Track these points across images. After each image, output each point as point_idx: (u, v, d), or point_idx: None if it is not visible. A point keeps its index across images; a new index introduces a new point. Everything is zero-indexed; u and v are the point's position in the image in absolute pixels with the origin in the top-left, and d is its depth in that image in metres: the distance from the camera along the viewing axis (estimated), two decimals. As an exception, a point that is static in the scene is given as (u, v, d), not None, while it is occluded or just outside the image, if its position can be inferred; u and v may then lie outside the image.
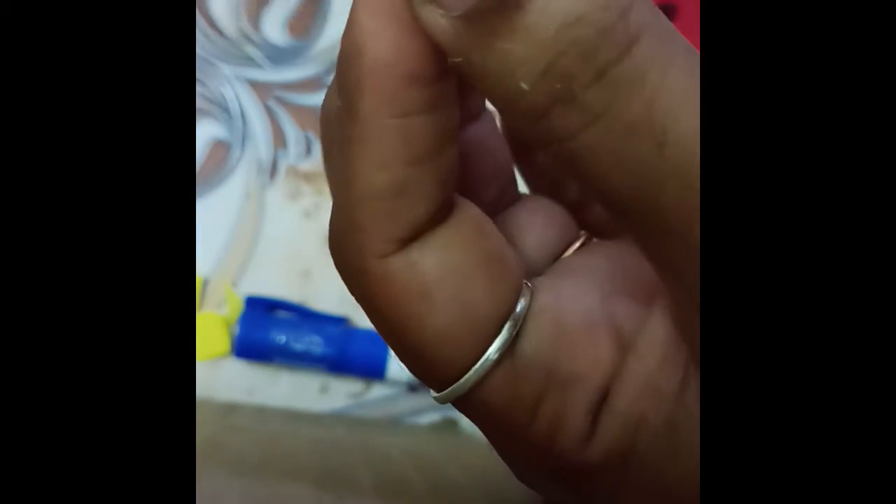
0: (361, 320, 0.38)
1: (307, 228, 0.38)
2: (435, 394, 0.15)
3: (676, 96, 0.12)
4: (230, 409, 0.36)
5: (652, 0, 0.13)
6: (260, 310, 0.37)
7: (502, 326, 0.14)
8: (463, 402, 0.15)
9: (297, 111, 0.38)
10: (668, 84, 0.12)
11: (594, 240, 0.18)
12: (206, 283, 0.38)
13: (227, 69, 0.38)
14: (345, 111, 0.14)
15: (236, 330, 0.37)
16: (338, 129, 0.14)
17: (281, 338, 0.36)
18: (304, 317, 0.37)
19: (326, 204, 0.38)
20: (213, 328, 0.37)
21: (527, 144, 0.19)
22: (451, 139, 0.14)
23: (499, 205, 0.18)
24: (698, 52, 0.13)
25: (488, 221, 0.15)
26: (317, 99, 0.38)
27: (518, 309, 0.15)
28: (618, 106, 0.12)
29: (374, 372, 0.37)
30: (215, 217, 0.38)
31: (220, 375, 0.37)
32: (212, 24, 0.38)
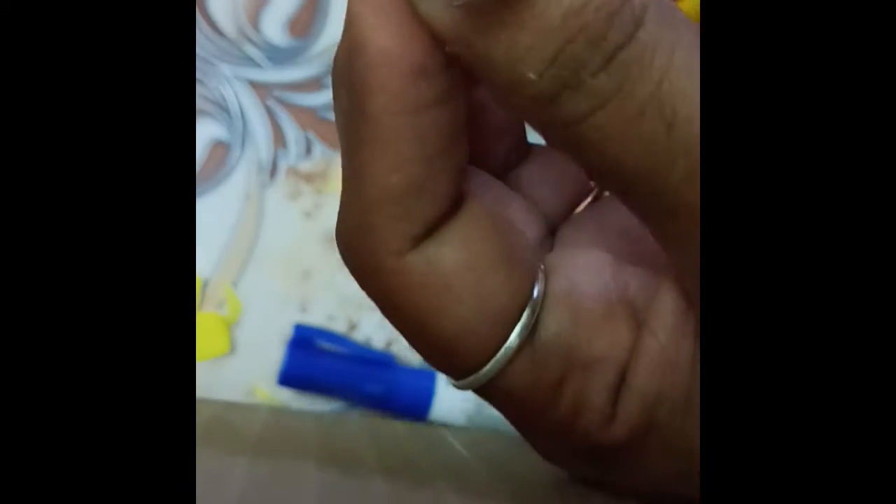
0: (401, 352, 0.38)
1: (307, 229, 0.38)
2: (455, 382, 0.16)
3: (684, 75, 0.12)
4: (230, 406, 0.36)
5: None
6: (306, 338, 0.36)
7: (521, 314, 0.15)
8: (484, 390, 0.15)
9: (298, 111, 0.38)
10: (676, 63, 0.12)
11: (606, 193, 0.18)
12: (205, 283, 0.38)
13: (226, 69, 0.38)
14: (354, 111, 0.14)
15: (237, 330, 0.37)
16: (346, 130, 0.14)
17: (328, 374, 0.36)
18: (352, 350, 0.36)
19: (326, 204, 0.38)
20: (213, 328, 0.37)
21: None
22: (463, 131, 0.14)
23: (511, 159, 0.18)
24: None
25: (499, 209, 0.16)
26: (317, 99, 0.38)
27: (535, 295, 0.15)
28: (627, 89, 0.12)
29: (417, 414, 0.36)
30: (215, 217, 0.38)
31: (220, 375, 0.37)
32: (211, 24, 0.38)
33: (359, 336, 0.38)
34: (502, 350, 0.15)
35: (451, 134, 0.14)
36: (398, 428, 0.31)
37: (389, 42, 0.13)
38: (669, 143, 0.12)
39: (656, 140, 0.12)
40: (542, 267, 0.16)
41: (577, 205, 0.18)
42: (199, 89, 0.38)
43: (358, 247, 0.15)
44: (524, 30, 0.12)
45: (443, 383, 0.36)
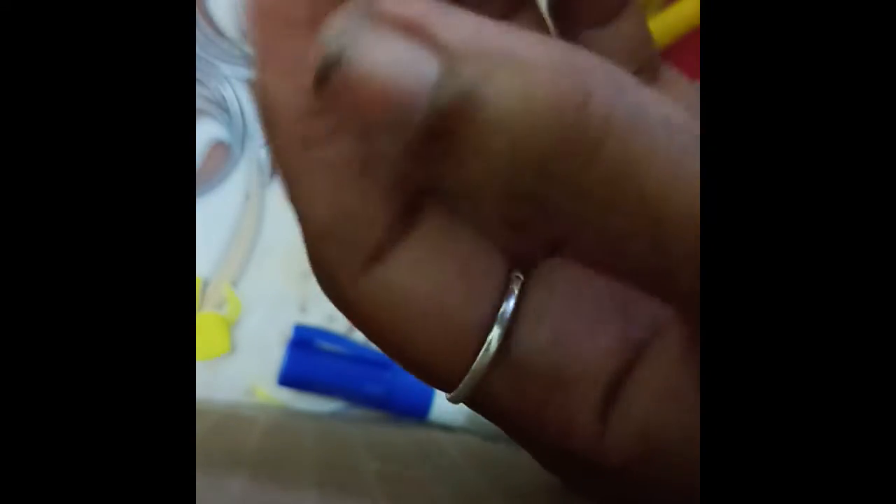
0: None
1: (307, 228, 0.38)
2: (448, 395, 0.15)
3: (667, 181, 0.11)
4: (233, 408, 0.36)
5: None
6: (307, 339, 0.36)
7: (487, 331, 0.14)
8: (472, 403, 0.15)
9: (297, 111, 0.38)
10: (655, 174, 0.11)
11: None
12: (206, 283, 0.38)
13: (227, 69, 0.38)
14: (271, 149, 0.14)
15: (238, 330, 0.37)
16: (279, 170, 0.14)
17: (328, 374, 0.36)
18: (351, 350, 0.36)
19: (326, 204, 0.38)
20: (213, 328, 0.37)
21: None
22: (376, 156, 0.14)
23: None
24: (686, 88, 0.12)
25: (459, 221, 0.14)
26: (317, 99, 0.38)
27: (503, 310, 0.14)
28: (602, 213, 0.11)
29: (417, 414, 0.36)
30: (215, 217, 0.38)
31: (220, 375, 0.37)
32: (212, 24, 0.38)
33: (358, 336, 0.38)
34: (473, 367, 0.14)
35: (362, 163, 0.14)
36: (397, 436, 0.31)
37: (277, 85, 0.13)
38: (661, 235, 0.11)
39: (645, 249, 0.12)
40: (520, 279, 0.15)
41: None
42: (199, 89, 0.38)
43: (319, 277, 0.15)
44: (467, 167, 0.11)
45: (443, 383, 0.36)
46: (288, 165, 0.14)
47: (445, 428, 0.37)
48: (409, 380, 0.36)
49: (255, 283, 0.38)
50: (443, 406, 0.36)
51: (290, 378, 0.36)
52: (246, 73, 0.38)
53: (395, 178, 0.14)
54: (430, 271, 0.14)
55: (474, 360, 0.14)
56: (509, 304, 0.14)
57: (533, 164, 0.11)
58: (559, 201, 0.11)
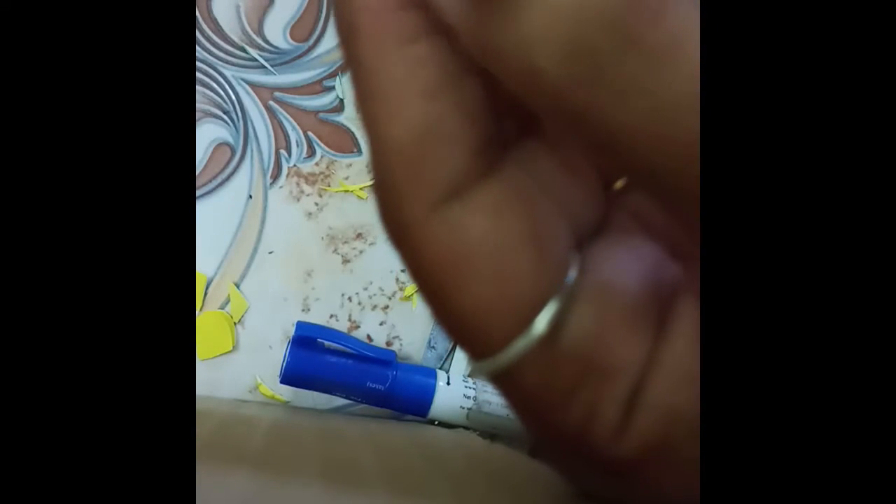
0: (382, 341, 0.38)
1: (309, 229, 0.39)
2: (473, 365, 0.14)
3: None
4: (236, 405, 0.36)
5: None
6: (309, 336, 0.36)
7: (543, 304, 0.13)
8: (497, 379, 0.14)
9: (299, 114, 0.39)
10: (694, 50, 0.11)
11: None
12: (210, 282, 0.38)
13: (230, 72, 0.38)
14: (351, 62, 0.13)
15: (241, 328, 0.38)
16: (353, 85, 0.13)
17: (330, 371, 0.36)
18: (353, 348, 0.36)
19: (328, 205, 0.39)
20: (217, 326, 0.38)
21: None
22: (467, 67, 0.13)
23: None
24: None
25: (534, 189, 0.14)
26: (318, 101, 0.39)
27: (563, 290, 0.13)
28: (652, 81, 0.11)
29: (418, 411, 0.37)
30: (219, 218, 0.38)
31: (223, 373, 0.38)
32: (215, 28, 0.38)
33: (360, 335, 0.38)
34: (520, 342, 0.13)
35: (452, 69, 0.13)
36: (399, 433, 0.31)
37: None
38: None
39: (686, 136, 0.11)
40: (578, 257, 0.14)
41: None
42: (203, 92, 0.38)
43: (385, 208, 0.14)
44: (536, 16, 0.11)
45: (443, 382, 0.37)
46: (374, 67, 0.13)
47: (445, 425, 0.37)
48: (411, 377, 0.36)
49: (257, 282, 0.38)
50: (443, 404, 0.36)
51: (293, 376, 0.36)
52: (249, 76, 0.38)
53: (481, 98, 0.13)
54: (505, 223, 0.13)
55: (519, 329, 0.13)
56: (570, 282, 0.13)
57: (601, 16, 0.11)
58: (616, 60, 0.11)
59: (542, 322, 0.13)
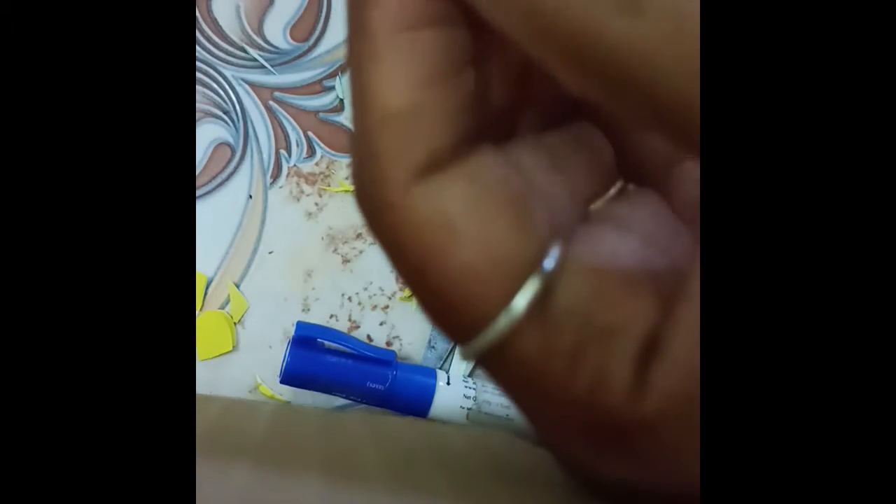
0: (382, 339, 0.38)
1: (309, 229, 0.39)
2: (462, 347, 0.14)
3: None
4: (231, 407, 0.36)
5: None
6: (309, 336, 0.36)
7: (531, 272, 0.13)
8: (492, 358, 0.14)
9: (299, 114, 0.39)
10: None
11: (630, 186, 0.18)
12: (210, 282, 0.38)
13: (230, 72, 0.38)
14: (356, 27, 0.13)
15: (241, 328, 0.38)
16: (351, 49, 0.14)
17: (330, 371, 0.36)
18: (353, 348, 0.36)
19: (328, 205, 0.39)
20: (217, 326, 0.38)
21: None
22: (466, 60, 0.14)
23: (549, 120, 0.17)
24: None
25: (514, 171, 0.14)
26: (318, 101, 0.39)
27: (547, 261, 0.13)
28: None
29: (418, 411, 0.36)
30: (219, 218, 0.38)
31: (223, 373, 0.38)
32: (215, 28, 0.38)
33: (360, 335, 0.38)
34: (509, 310, 0.13)
35: (454, 60, 0.13)
36: (400, 426, 0.31)
37: None
38: None
39: (693, 52, 0.11)
40: (565, 234, 0.14)
41: (601, 195, 0.17)
42: (203, 92, 0.38)
43: (365, 178, 0.14)
44: None
45: (443, 382, 0.37)
46: (376, 41, 0.13)
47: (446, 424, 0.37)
48: (411, 378, 0.36)
49: (257, 282, 0.38)
50: (443, 404, 0.36)
51: (293, 376, 0.36)
52: (249, 76, 0.38)
53: (476, 87, 0.13)
54: (482, 195, 0.13)
55: (507, 298, 0.13)
56: (554, 255, 0.14)
57: None
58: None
59: (528, 292, 0.13)
